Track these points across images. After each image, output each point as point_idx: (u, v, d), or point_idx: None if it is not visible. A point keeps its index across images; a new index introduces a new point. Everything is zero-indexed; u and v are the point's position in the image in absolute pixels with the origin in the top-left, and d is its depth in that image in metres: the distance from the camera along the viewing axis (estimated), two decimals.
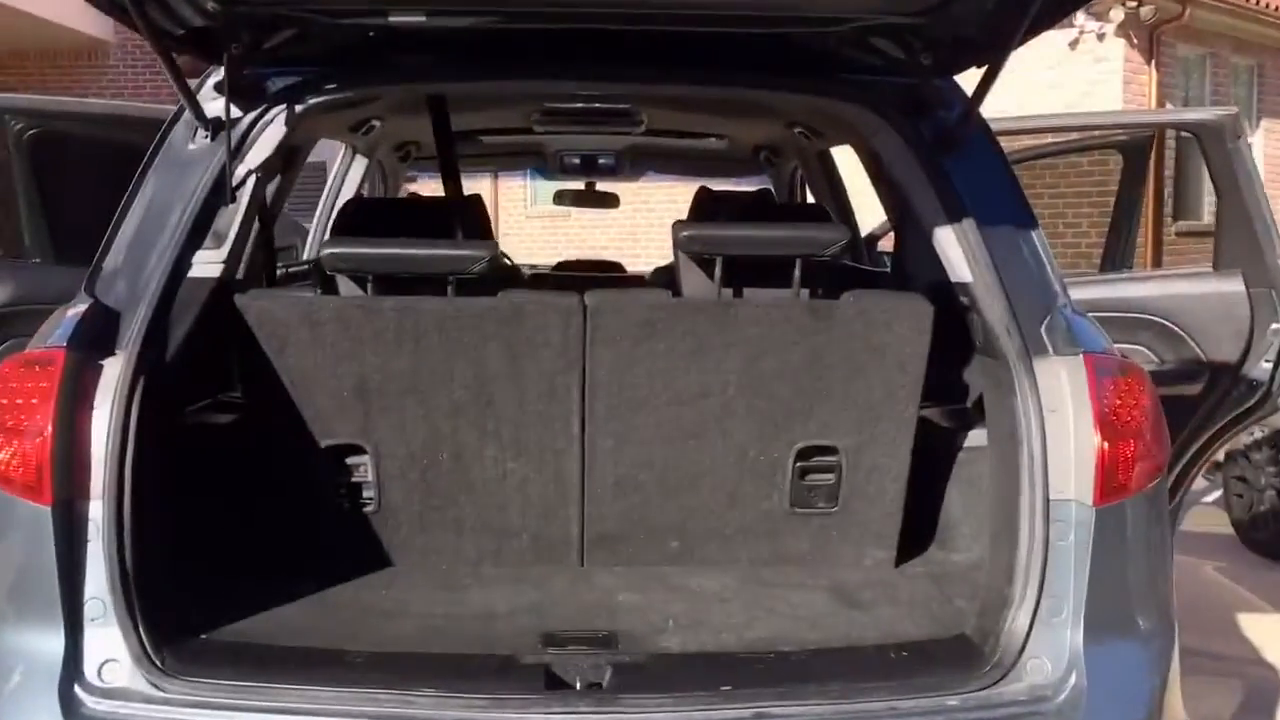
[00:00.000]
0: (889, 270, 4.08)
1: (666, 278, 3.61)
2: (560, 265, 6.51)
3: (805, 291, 3.16)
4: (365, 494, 3.14)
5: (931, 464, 3.25)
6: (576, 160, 5.98)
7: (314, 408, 3.04)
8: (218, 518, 3.02)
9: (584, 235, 17.29)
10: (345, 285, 3.20)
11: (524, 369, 3.03)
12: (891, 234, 4.49)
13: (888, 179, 3.39)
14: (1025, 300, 2.81)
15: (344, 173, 5.30)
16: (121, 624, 2.48)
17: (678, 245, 3.18)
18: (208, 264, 2.86)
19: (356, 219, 3.68)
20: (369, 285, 3.06)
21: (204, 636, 2.66)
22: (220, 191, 2.87)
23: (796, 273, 3.10)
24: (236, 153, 2.91)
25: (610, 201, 6.63)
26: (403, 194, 6.16)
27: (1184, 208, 14.20)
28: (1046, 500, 2.61)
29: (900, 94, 3.05)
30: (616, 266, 6.48)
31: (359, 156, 5.32)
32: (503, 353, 3.01)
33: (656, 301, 3.03)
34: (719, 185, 5.12)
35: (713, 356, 3.04)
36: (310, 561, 3.06)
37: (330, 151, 5.40)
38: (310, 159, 5.77)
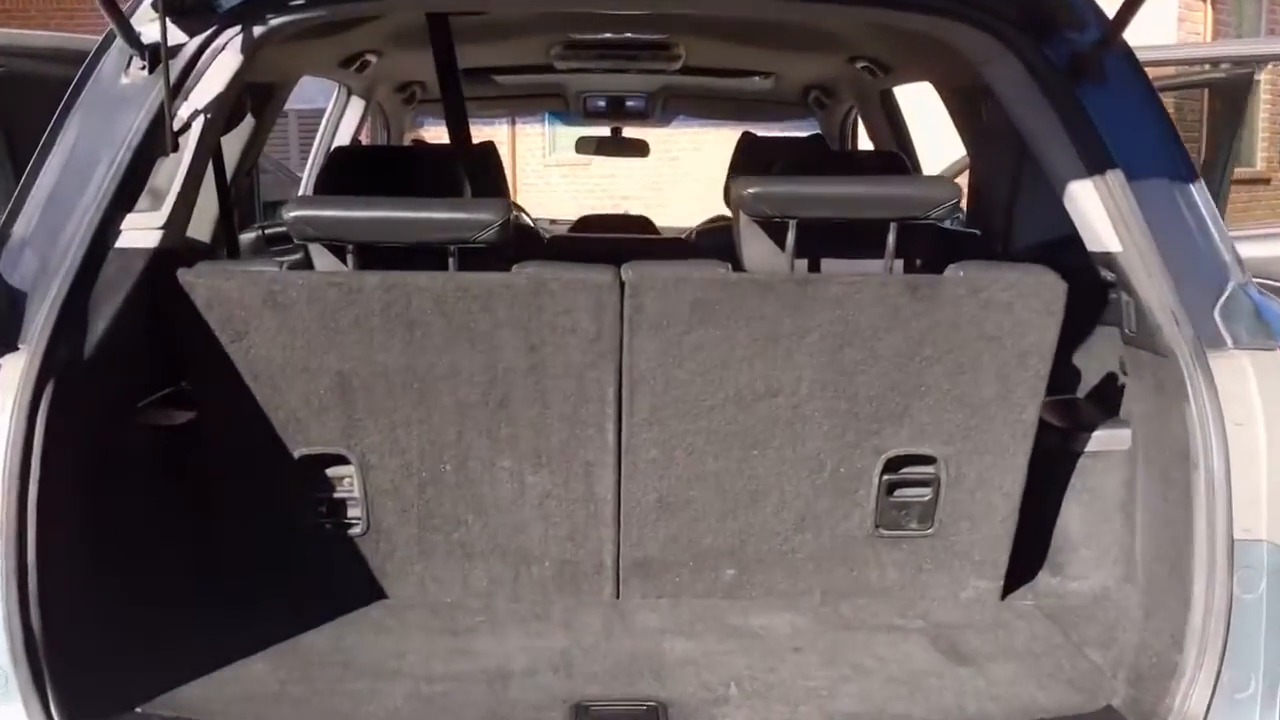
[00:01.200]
0: (977, 231, 3.43)
1: (715, 243, 2.98)
2: (581, 222, 5.84)
3: (899, 263, 2.52)
4: (350, 513, 2.56)
5: (1041, 470, 2.63)
6: (602, 103, 5.31)
7: (284, 410, 2.44)
8: (160, 552, 2.44)
9: (606, 185, 16.55)
10: (323, 257, 2.58)
11: (546, 361, 2.42)
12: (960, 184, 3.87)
13: (998, 120, 2.76)
14: (1193, 276, 2.19)
15: (337, 118, 4.64)
16: (26, 698, 1.96)
17: (739, 205, 2.53)
18: (141, 230, 2.27)
19: (343, 172, 3.07)
20: (349, 256, 2.45)
21: (139, 710, 2.09)
22: (158, 137, 2.27)
23: (891, 240, 2.46)
24: (179, 88, 2.30)
25: (638, 149, 5.95)
26: (408, 144, 5.50)
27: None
28: (1230, 540, 2.02)
29: (1021, 10, 2.40)
30: (645, 222, 5.83)
31: (355, 98, 4.66)
32: (519, 341, 2.40)
33: (714, 277, 2.41)
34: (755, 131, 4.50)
35: (783, 345, 2.42)
36: (280, 601, 2.48)
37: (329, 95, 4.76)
38: (313, 106, 5.15)
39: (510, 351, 2.41)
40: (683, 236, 5.05)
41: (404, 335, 2.38)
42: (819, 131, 5.09)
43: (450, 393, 2.44)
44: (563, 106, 5.53)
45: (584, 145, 6.02)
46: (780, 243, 2.50)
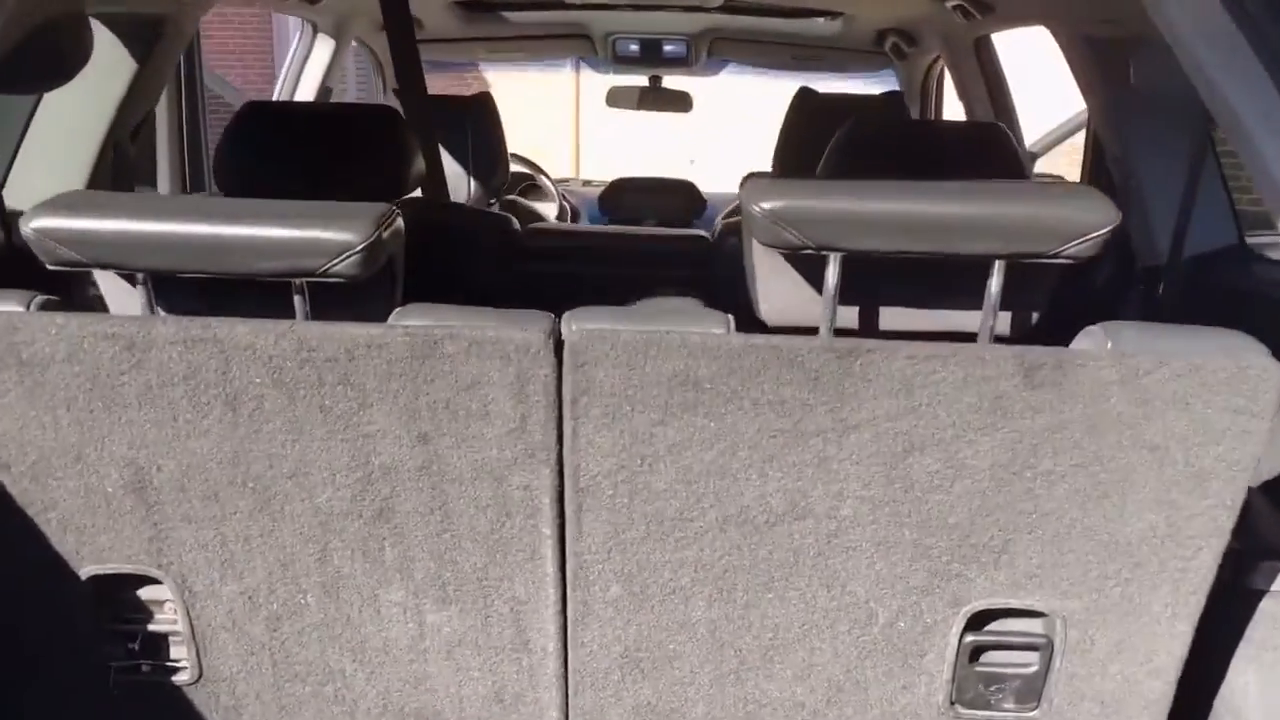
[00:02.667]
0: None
1: (734, 251, 2.09)
2: (613, 186, 4.97)
3: (1004, 316, 1.62)
4: (171, 655, 1.76)
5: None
6: (634, 46, 4.44)
7: (55, 512, 1.63)
8: None
9: (671, 140, 15.43)
10: (113, 284, 1.73)
11: (444, 457, 1.57)
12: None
13: (1157, 78, 1.85)
14: None
15: (301, 61, 3.79)
16: None
17: (754, 232, 1.62)
18: None
19: (254, 138, 2.25)
20: (141, 288, 1.61)
21: None
22: None
23: (995, 285, 1.56)
24: None
25: (680, 102, 5.03)
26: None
27: None
28: None
29: None
30: (687, 188, 4.94)
31: (324, 37, 3.80)
32: (401, 429, 1.55)
33: (705, 341, 1.52)
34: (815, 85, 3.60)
35: (815, 447, 1.54)
36: None
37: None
38: None
39: (389, 443, 1.56)
40: (715, 221, 4.16)
41: (223, 415, 1.54)
42: (897, 88, 4.15)
43: (304, 497, 1.60)
44: (589, 50, 4.63)
45: (617, 97, 5.11)
46: (815, 281, 1.60)
